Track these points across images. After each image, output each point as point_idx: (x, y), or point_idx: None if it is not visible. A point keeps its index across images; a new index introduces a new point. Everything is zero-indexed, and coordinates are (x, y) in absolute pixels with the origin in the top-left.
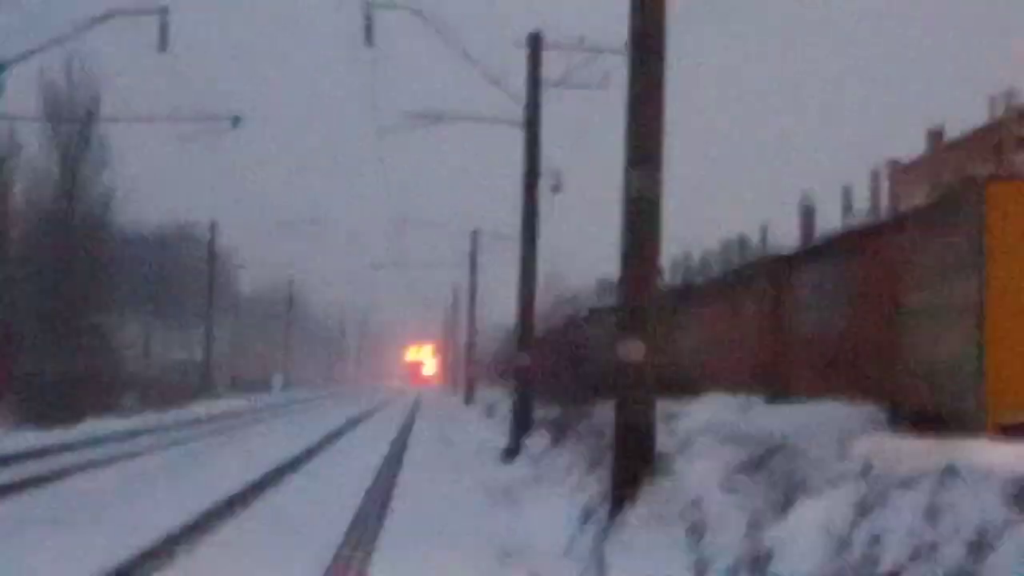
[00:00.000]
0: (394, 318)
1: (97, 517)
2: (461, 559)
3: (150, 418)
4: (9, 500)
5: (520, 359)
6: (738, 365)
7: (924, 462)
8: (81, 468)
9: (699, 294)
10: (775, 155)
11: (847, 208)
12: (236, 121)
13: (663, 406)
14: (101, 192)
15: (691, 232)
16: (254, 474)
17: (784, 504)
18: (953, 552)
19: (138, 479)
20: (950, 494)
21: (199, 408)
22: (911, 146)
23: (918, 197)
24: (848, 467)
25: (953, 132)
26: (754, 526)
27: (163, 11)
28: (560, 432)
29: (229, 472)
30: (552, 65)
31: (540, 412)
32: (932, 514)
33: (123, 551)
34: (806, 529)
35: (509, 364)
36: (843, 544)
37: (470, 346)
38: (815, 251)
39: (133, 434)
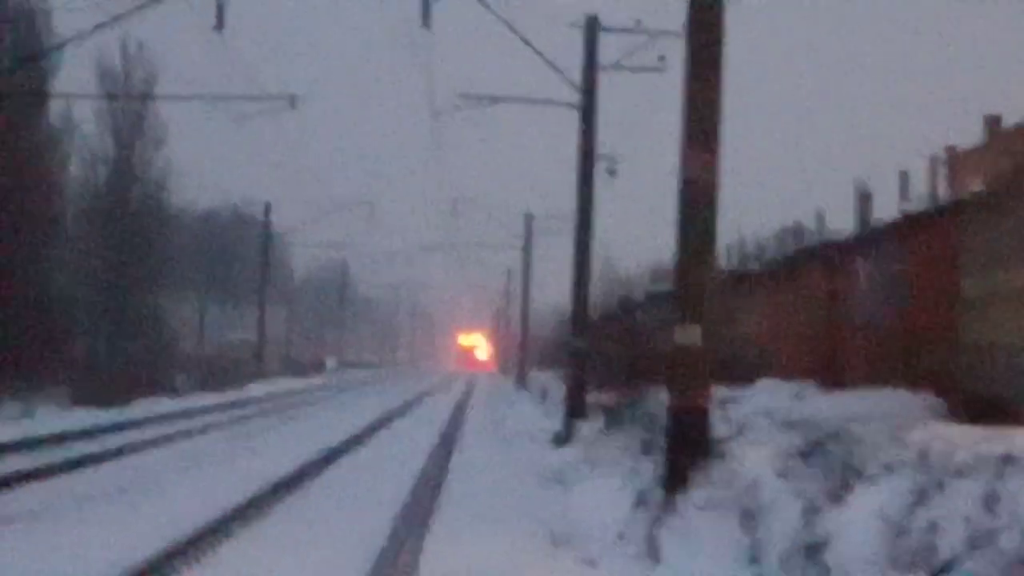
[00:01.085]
0: (447, 301)
1: (156, 491)
2: (513, 544)
3: (203, 399)
4: (65, 476)
5: (574, 343)
6: (794, 352)
7: (981, 450)
8: (136, 447)
9: (755, 280)
10: (833, 141)
11: (904, 195)
12: (293, 101)
13: (718, 391)
14: (156, 172)
15: (747, 218)
16: (307, 456)
17: (840, 491)
18: (1011, 539)
19: (191, 458)
20: (1008, 482)
21: (253, 389)
22: (969, 133)
23: (976, 184)
24: (905, 455)
25: (1011, 119)
26: (809, 512)
27: None
28: (613, 417)
29: (284, 453)
30: (609, 48)
31: (593, 396)
32: (990, 502)
33: (171, 528)
34: (862, 516)
35: (562, 348)
36: (899, 531)
37: (523, 330)
38: (871, 238)
39: (187, 414)
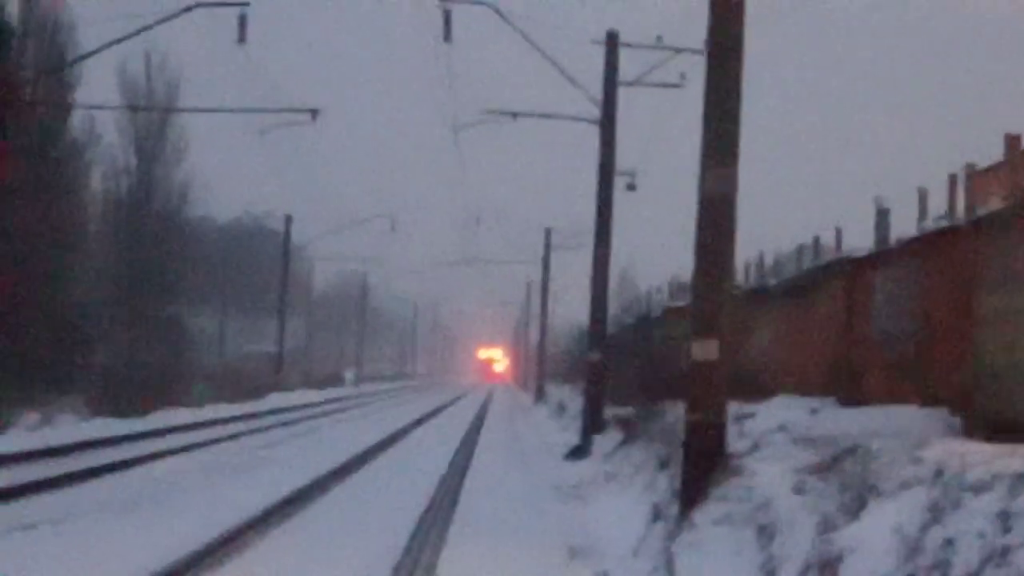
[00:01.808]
0: (466, 314)
1: (172, 501)
2: (529, 556)
3: (222, 410)
4: (83, 485)
5: (591, 357)
6: (810, 367)
7: (997, 468)
8: (153, 457)
9: (772, 295)
10: (853, 158)
11: (923, 212)
12: (314, 114)
13: (734, 407)
14: (178, 183)
15: (766, 234)
16: (324, 468)
17: (855, 507)
18: None
19: (207, 469)
20: (1023, 500)
21: (272, 401)
22: (989, 151)
23: (995, 202)
24: (920, 471)
25: None
26: (825, 529)
27: (243, 3)
28: (630, 431)
29: (302, 464)
30: (630, 64)
31: (610, 411)
32: (1005, 519)
33: (187, 537)
34: (877, 533)
35: (580, 362)
36: (914, 548)
37: (542, 344)
38: (889, 254)
39: (205, 425)
